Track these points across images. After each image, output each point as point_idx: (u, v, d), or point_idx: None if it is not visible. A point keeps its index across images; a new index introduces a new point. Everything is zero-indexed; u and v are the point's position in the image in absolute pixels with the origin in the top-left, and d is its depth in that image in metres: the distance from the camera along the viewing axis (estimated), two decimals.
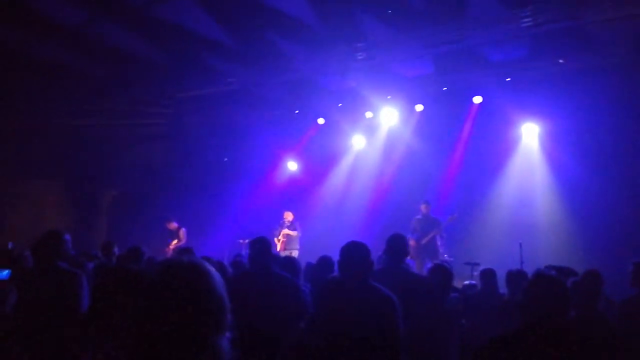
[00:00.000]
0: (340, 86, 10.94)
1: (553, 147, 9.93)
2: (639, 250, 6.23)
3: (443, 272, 4.53)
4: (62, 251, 3.86)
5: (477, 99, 10.41)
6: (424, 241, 9.06)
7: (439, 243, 9.44)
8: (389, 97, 11.03)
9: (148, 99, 11.84)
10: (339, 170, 12.28)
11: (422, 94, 10.80)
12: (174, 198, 12.33)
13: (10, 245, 7.50)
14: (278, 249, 10.33)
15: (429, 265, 8.47)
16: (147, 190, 13.00)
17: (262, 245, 4.12)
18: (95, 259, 6.10)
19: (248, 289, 3.85)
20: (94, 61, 10.22)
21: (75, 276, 3.76)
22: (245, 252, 9.80)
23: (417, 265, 8.29)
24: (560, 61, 9.12)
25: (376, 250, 4.47)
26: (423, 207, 9.46)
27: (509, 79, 9.77)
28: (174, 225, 10.64)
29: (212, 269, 1.46)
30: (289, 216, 10.73)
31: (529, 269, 5.23)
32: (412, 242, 8.46)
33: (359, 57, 9.35)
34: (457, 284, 5.83)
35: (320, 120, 12.17)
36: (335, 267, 3.84)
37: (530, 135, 10.31)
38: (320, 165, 12.36)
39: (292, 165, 13.01)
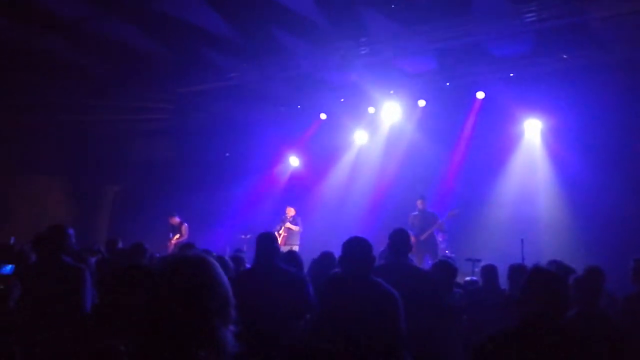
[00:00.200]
0: (342, 81, 10.92)
1: (556, 143, 9.91)
2: None
3: (447, 268, 4.54)
4: (66, 245, 3.87)
5: (480, 95, 10.38)
6: (423, 237, 9.04)
7: (440, 239, 9.44)
8: (391, 92, 11.01)
9: (150, 95, 11.84)
10: (341, 166, 12.28)
11: (425, 90, 10.77)
12: (175, 194, 12.34)
13: (12, 240, 7.52)
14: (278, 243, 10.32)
15: (429, 260, 8.55)
16: (149, 186, 13.01)
17: (269, 241, 4.12)
18: (98, 254, 6.13)
19: (255, 285, 3.86)
20: (96, 57, 10.22)
21: (80, 271, 3.77)
22: (246, 247, 9.84)
23: (417, 261, 8.28)
24: (564, 57, 9.09)
25: (378, 245, 4.48)
26: (419, 203, 9.44)
27: (512, 75, 9.74)
28: (176, 220, 10.66)
29: (217, 264, 1.48)
30: (290, 212, 10.75)
31: (531, 266, 5.22)
32: (411, 238, 8.42)
33: (362, 52, 9.34)
34: (459, 279, 5.83)
35: (323, 116, 12.15)
36: (337, 262, 3.85)
37: (533, 132, 10.29)
38: (322, 160, 12.36)
39: (294, 161, 13.01)
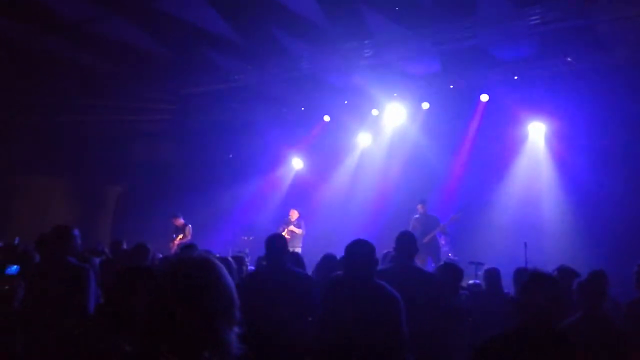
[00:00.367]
0: (346, 84, 10.93)
1: (560, 146, 9.88)
2: None
3: (454, 271, 4.54)
4: (71, 246, 3.89)
5: (484, 97, 10.38)
6: (425, 240, 9.00)
7: (442, 242, 9.42)
8: (395, 94, 11.01)
9: (153, 96, 11.87)
10: (345, 168, 12.28)
11: (428, 92, 10.77)
12: (178, 194, 12.37)
13: (16, 241, 7.54)
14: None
15: (431, 263, 8.54)
16: (151, 187, 13.04)
17: (279, 243, 4.14)
18: (101, 255, 6.14)
19: (267, 287, 3.88)
20: (99, 57, 10.25)
21: (84, 271, 3.79)
22: (249, 249, 9.85)
23: (419, 264, 8.26)
24: (569, 60, 9.07)
25: (381, 248, 4.47)
26: (420, 207, 9.42)
27: (516, 78, 9.73)
28: (180, 221, 10.67)
29: (221, 265, 1.48)
30: (294, 214, 10.74)
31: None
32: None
33: (366, 55, 9.34)
34: (462, 282, 5.82)
35: (326, 118, 12.16)
36: (340, 264, 3.85)
37: (536, 134, 10.27)
38: (325, 162, 12.36)
39: (297, 163, 13.01)
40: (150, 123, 12.90)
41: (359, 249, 3.31)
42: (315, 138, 12.38)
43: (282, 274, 4.00)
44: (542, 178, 9.99)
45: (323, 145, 12.27)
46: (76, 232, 3.95)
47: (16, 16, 8.59)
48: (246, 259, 6.22)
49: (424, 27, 8.62)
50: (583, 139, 9.38)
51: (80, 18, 8.75)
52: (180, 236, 10.48)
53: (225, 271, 1.49)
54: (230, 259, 4.85)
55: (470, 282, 6.16)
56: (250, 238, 11.48)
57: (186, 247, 5.48)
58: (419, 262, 8.26)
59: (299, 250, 10.12)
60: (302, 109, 12.30)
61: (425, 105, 10.99)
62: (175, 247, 10.22)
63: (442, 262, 5.61)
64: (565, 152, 9.74)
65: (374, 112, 11.61)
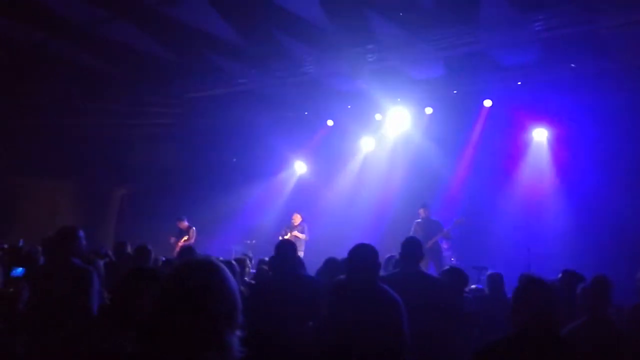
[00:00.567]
0: (350, 88, 10.95)
1: (563, 151, 9.87)
2: None
3: (459, 275, 4.54)
4: (76, 247, 3.91)
5: (488, 103, 10.38)
6: (427, 245, 8.96)
7: (444, 246, 9.40)
8: (398, 99, 11.03)
9: (158, 99, 11.92)
10: (348, 172, 12.28)
11: (432, 97, 10.79)
12: (182, 198, 12.40)
13: (20, 243, 7.58)
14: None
15: (432, 268, 8.51)
16: (155, 190, 13.08)
17: (288, 248, 4.17)
18: (105, 257, 6.16)
19: (276, 292, 3.90)
20: (104, 60, 10.31)
21: (88, 272, 3.80)
22: (252, 253, 9.84)
23: (422, 268, 8.24)
24: (572, 65, 9.08)
25: (383, 252, 4.48)
26: (421, 211, 9.36)
27: (519, 83, 9.74)
28: (184, 224, 10.70)
29: (225, 268, 1.49)
30: (297, 218, 10.73)
31: (537, 274, 5.20)
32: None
33: (370, 59, 9.36)
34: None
35: (330, 122, 12.19)
36: (342, 268, 3.85)
37: (540, 140, 10.26)
38: (329, 167, 12.37)
39: (300, 167, 13.02)
40: (154, 126, 12.95)
41: (362, 253, 3.32)
42: (319, 142, 12.40)
43: (294, 279, 4.02)
44: (545, 183, 9.98)
45: (326, 150, 12.29)
46: (81, 233, 3.97)
47: (20, 17, 8.65)
48: (249, 262, 6.23)
49: (427, 32, 8.64)
50: (587, 144, 9.37)
51: (85, 21, 8.80)
52: (185, 238, 10.50)
53: (228, 274, 1.49)
54: (233, 262, 4.87)
55: (473, 286, 6.15)
56: (253, 242, 11.49)
57: (184, 251, 5.49)
58: (422, 266, 8.28)
59: (301, 254, 10.12)
60: (306, 113, 12.33)
61: (429, 110, 11.00)
62: (179, 250, 10.23)
63: (446, 267, 5.59)
64: (568, 158, 9.73)
65: (378, 116, 11.63)
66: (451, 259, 9.12)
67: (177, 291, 1.41)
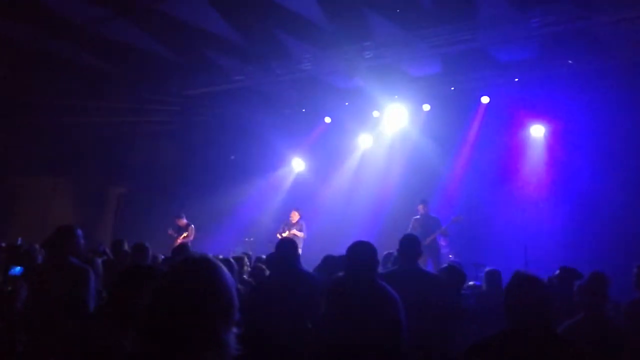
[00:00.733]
0: (347, 85, 10.95)
1: (561, 148, 9.90)
2: None
3: (457, 272, 4.56)
4: (75, 246, 3.92)
5: (485, 99, 10.39)
6: (426, 242, 8.97)
7: (442, 243, 9.40)
8: (396, 96, 11.03)
9: (155, 97, 11.90)
10: (346, 169, 12.30)
11: (429, 94, 10.80)
12: (180, 196, 12.41)
13: (19, 241, 7.57)
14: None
15: (430, 265, 8.51)
16: (153, 188, 13.07)
17: (289, 246, 4.18)
18: (103, 255, 6.16)
19: (276, 290, 3.91)
20: (102, 58, 10.29)
21: (84, 271, 3.81)
22: (251, 251, 9.85)
23: (420, 265, 8.24)
24: (569, 62, 9.09)
25: (381, 249, 4.49)
26: (420, 207, 9.33)
27: (517, 80, 9.75)
28: (183, 222, 10.71)
29: (222, 266, 1.49)
30: (295, 216, 10.73)
31: (533, 271, 5.22)
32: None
33: (367, 56, 9.36)
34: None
35: (327, 119, 12.19)
36: (341, 265, 3.86)
37: (537, 136, 10.28)
38: (326, 164, 12.38)
39: (298, 164, 13.03)
40: (152, 124, 12.94)
41: (361, 250, 3.32)
42: (317, 139, 12.40)
43: (295, 277, 4.03)
44: (542, 179, 10.00)
45: (324, 147, 12.30)
46: (79, 232, 3.98)
47: (19, 17, 8.63)
48: (247, 260, 6.23)
49: (424, 29, 8.64)
50: (583, 140, 9.40)
51: (83, 19, 8.78)
52: (185, 234, 10.52)
53: (225, 272, 1.49)
54: (232, 259, 4.87)
55: (471, 283, 6.17)
56: (252, 239, 11.50)
57: (177, 249, 5.48)
58: (421, 263, 8.29)
59: (299, 251, 10.12)
60: (304, 110, 12.33)
61: (426, 107, 11.01)
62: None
63: (444, 264, 5.61)
64: (565, 154, 9.75)
65: (375, 113, 11.64)
66: (449, 256, 9.13)
67: (173, 289, 1.41)
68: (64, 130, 12.07)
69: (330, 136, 12.20)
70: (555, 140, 10.02)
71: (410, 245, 4.17)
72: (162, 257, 6.39)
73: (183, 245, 6.34)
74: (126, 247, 6.17)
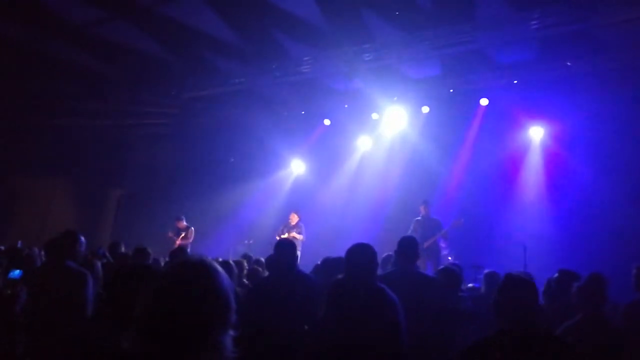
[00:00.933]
0: (346, 87, 10.95)
1: (560, 150, 9.90)
2: None
3: (453, 274, 4.55)
4: (76, 252, 3.95)
5: (484, 101, 10.40)
6: (425, 245, 8.95)
7: (442, 245, 9.39)
8: (395, 98, 11.04)
9: (155, 99, 11.92)
10: (345, 172, 12.30)
11: (428, 96, 10.80)
12: (179, 198, 12.40)
13: (19, 244, 7.57)
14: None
15: (430, 267, 8.50)
16: (153, 190, 13.08)
17: (287, 248, 4.18)
18: (103, 258, 6.16)
19: (274, 291, 3.91)
20: (101, 60, 10.31)
21: (82, 275, 3.83)
22: (251, 252, 9.84)
23: (420, 267, 8.23)
24: (568, 64, 9.10)
25: (381, 251, 4.49)
26: (422, 208, 9.32)
27: (516, 82, 9.75)
28: (183, 224, 10.74)
29: (219, 268, 1.50)
30: (294, 218, 10.73)
31: (532, 272, 5.23)
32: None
33: (366, 58, 9.37)
34: (461, 286, 5.83)
35: (327, 121, 12.19)
36: (340, 268, 3.86)
37: (536, 138, 10.28)
38: (326, 166, 12.38)
39: (298, 166, 13.03)
40: (151, 126, 12.96)
41: (360, 253, 3.33)
42: (316, 142, 12.41)
43: (294, 279, 4.04)
44: (541, 181, 10.00)
45: (323, 149, 12.31)
46: (83, 239, 4.03)
47: (19, 18, 8.64)
48: (245, 264, 6.23)
49: (424, 31, 8.66)
50: (582, 142, 9.40)
51: (82, 21, 8.80)
52: (182, 235, 10.54)
53: (222, 274, 1.50)
54: (231, 262, 4.88)
55: (470, 285, 6.17)
56: (251, 241, 11.50)
57: (177, 252, 5.49)
58: (420, 266, 8.28)
59: (298, 253, 10.11)
60: (303, 112, 12.34)
61: (425, 109, 11.02)
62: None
63: (441, 266, 5.61)
64: (564, 156, 9.75)
65: (374, 115, 11.64)
66: (448, 258, 9.12)
67: (170, 291, 1.41)
68: (64, 131, 12.10)
69: (329, 138, 12.21)
70: (555, 142, 10.02)
71: (408, 247, 4.17)
72: (163, 259, 6.39)
73: (181, 248, 6.36)
74: (123, 249, 6.18)
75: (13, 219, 11.60)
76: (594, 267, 4.23)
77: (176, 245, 10.17)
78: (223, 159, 13.23)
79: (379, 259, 3.78)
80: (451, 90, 10.46)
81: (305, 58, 9.85)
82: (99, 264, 4.78)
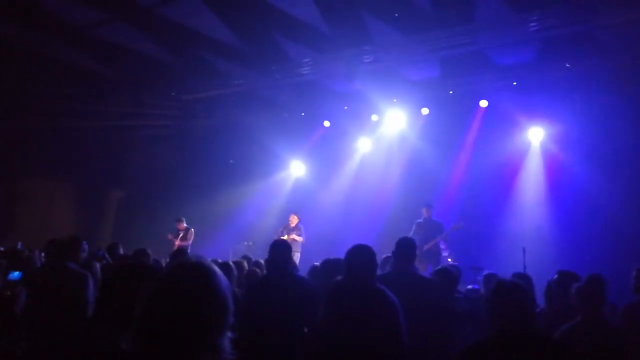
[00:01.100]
0: (346, 89, 10.98)
1: (559, 151, 9.90)
2: None
3: (450, 275, 4.55)
4: (78, 257, 3.99)
5: (483, 103, 10.41)
6: (426, 247, 8.95)
7: (442, 247, 9.40)
8: (395, 100, 11.05)
9: (155, 101, 11.93)
10: (345, 173, 12.30)
11: (428, 98, 10.82)
12: (179, 199, 12.40)
13: (19, 246, 7.57)
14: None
15: (430, 269, 8.48)
16: (153, 192, 13.08)
17: (282, 249, 4.18)
18: (102, 260, 6.16)
19: (270, 293, 3.91)
20: (101, 61, 10.32)
21: (84, 276, 3.83)
22: (251, 254, 9.84)
23: (420, 270, 8.22)
24: (568, 65, 9.11)
25: (380, 253, 4.49)
26: (424, 211, 9.33)
27: (515, 83, 9.77)
28: (183, 225, 10.77)
29: (217, 270, 1.50)
30: (293, 219, 10.74)
31: (532, 274, 5.23)
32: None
33: (366, 60, 9.38)
34: (461, 288, 5.83)
35: (326, 123, 12.21)
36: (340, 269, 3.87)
37: (536, 140, 10.28)
38: (326, 168, 12.39)
39: (297, 168, 13.04)
40: (151, 128, 12.97)
41: (360, 254, 3.33)
42: (316, 143, 12.43)
43: (287, 280, 4.04)
44: (540, 183, 10.00)
45: (323, 151, 12.32)
46: (85, 245, 4.09)
47: (19, 20, 8.66)
48: (246, 265, 6.23)
49: (423, 33, 8.67)
50: (582, 144, 9.40)
51: (83, 23, 8.82)
52: (181, 235, 10.56)
53: (220, 275, 1.50)
54: (231, 263, 4.89)
55: (469, 287, 6.16)
56: (251, 243, 11.50)
57: (176, 253, 5.50)
58: (420, 268, 8.28)
59: (298, 255, 10.13)
60: (303, 114, 12.35)
61: (425, 111, 11.03)
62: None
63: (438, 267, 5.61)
64: (564, 157, 9.75)
65: (374, 117, 11.66)
66: (448, 260, 9.12)
67: (168, 293, 1.42)
68: (64, 133, 12.10)
69: (329, 140, 12.22)
70: (554, 144, 10.02)
71: (405, 248, 4.17)
72: (164, 260, 6.40)
73: (181, 249, 6.36)
74: (121, 250, 6.18)
75: (13, 220, 11.60)
76: (593, 269, 4.23)
77: (175, 247, 10.20)
78: (223, 160, 13.24)
79: (379, 260, 3.79)
80: (451, 92, 10.48)
81: (305, 60, 9.86)
82: (97, 265, 4.79)
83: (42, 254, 5.40)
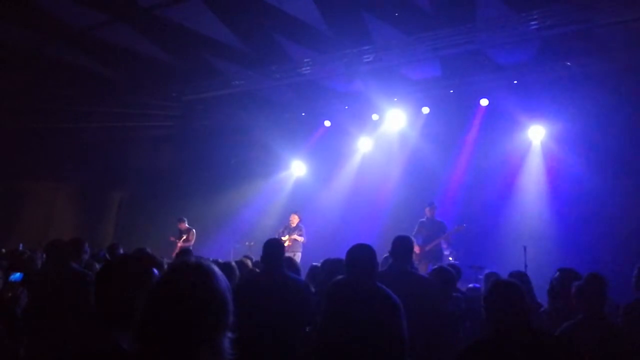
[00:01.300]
0: (347, 89, 10.98)
1: (560, 150, 9.90)
2: None
3: (448, 274, 4.55)
4: (80, 260, 4.01)
5: (484, 102, 10.40)
6: (428, 247, 8.94)
7: (443, 246, 9.39)
8: (395, 99, 11.05)
9: (156, 102, 11.95)
10: (346, 173, 12.31)
11: (428, 97, 10.81)
12: (181, 200, 12.43)
13: (20, 247, 7.59)
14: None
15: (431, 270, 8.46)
16: (154, 193, 13.10)
17: (275, 248, 4.17)
18: (103, 262, 6.17)
19: (260, 291, 3.91)
20: (103, 63, 10.34)
21: (86, 277, 3.84)
22: (253, 255, 9.85)
23: (421, 270, 8.23)
24: (568, 64, 9.10)
25: (381, 252, 4.50)
26: (428, 210, 9.32)
27: (516, 82, 9.76)
28: (185, 225, 10.79)
29: (217, 270, 1.51)
30: (294, 219, 10.74)
31: (533, 273, 5.24)
32: (415, 248, 8.25)
33: (366, 60, 9.38)
34: (462, 287, 5.83)
35: (327, 123, 12.21)
36: (341, 269, 3.87)
37: (536, 139, 10.27)
38: (326, 167, 12.40)
39: (298, 168, 13.05)
40: (152, 129, 12.98)
41: (360, 253, 3.34)
42: (317, 143, 12.43)
43: (279, 279, 4.03)
44: (541, 181, 10.00)
45: (324, 150, 12.32)
46: (87, 249, 4.11)
47: (21, 22, 8.67)
48: (249, 263, 6.24)
49: (423, 32, 8.66)
50: (583, 143, 9.39)
51: (84, 25, 8.83)
52: (184, 237, 10.57)
53: (219, 276, 1.51)
54: (233, 263, 4.89)
55: (470, 285, 6.17)
56: (252, 243, 11.51)
57: (181, 253, 5.52)
58: (422, 268, 8.27)
59: (299, 254, 10.14)
60: (303, 114, 12.36)
61: (426, 110, 11.03)
62: (177, 250, 10.27)
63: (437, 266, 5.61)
64: (565, 156, 9.75)
65: (375, 117, 11.65)
66: (449, 259, 9.11)
67: (167, 293, 1.42)
68: (66, 135, 12.12)
69: (330, 139, 12.22)
70: (554, 142, 10.01)
71: (400, 246, 4.17)
72: (167, 261, 6.39)
73: (186, 250, 6.37)
74: (121, 251, 6.19)
75: (16, 222, 11.63)
76: (594, 267, 4.23)
77: (178, 248, 10.21)
78: (224, 160, 13.25)
79: (379, 259, 3.79)
80: (451, 91, 10.47)
81: (306, 60, 9.87)
82: (97, 266, 4.80)
83: (44, 255, 5.40)
